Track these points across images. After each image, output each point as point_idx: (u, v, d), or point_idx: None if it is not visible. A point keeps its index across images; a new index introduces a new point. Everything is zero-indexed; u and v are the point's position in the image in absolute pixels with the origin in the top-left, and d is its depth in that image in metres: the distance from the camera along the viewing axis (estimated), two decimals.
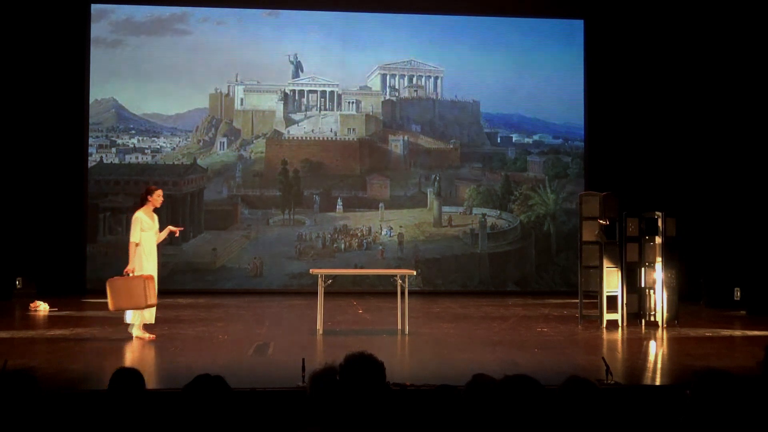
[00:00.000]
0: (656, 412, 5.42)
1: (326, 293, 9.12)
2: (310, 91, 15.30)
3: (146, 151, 14.81)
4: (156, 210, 8.95)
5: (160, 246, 9.06)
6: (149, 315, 8.70)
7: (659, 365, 7.77)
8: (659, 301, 9.93)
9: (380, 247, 14.97)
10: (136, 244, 8.66)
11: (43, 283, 12.92)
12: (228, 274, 14.57)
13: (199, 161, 14.90)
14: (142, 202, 8.91)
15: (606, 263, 10.02)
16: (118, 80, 14.67)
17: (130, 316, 8.61)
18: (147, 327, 8.73)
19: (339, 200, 15.09)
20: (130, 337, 8.50)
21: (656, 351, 8.51)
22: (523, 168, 15.52)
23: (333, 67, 15.27)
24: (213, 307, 11.83)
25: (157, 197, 8.86)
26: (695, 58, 13.91)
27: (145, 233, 8.72)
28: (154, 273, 8.71)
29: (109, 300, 8.44)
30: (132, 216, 8.86)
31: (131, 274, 8.52)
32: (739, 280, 12.19)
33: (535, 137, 15.61)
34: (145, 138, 14.84)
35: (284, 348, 8.22)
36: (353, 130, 15.34)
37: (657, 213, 10.09)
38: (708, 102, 13.66)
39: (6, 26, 13.48)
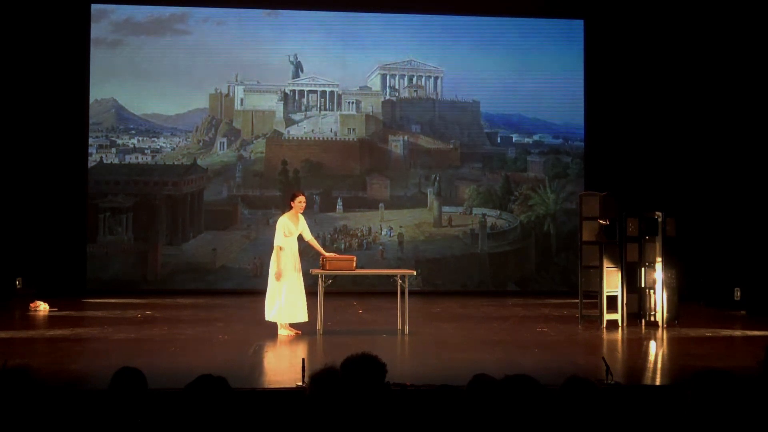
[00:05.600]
0: (656, 412, 5.42)
1: (326, 293, 9.12)
2: (310, 91, 15.29)
3: (146, 151, 14.80)
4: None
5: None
6: (301, 314, 8.91)
7: (659, 365, 7.78)
8: (659, 301, 9.92)
9: (380, 247, 14.97)
10: (280, 248, 8.86)
11: (43, 283, 12.91)
12: (228, 274, 14.56)
13: (199, 161, 14.88)
14: (288, 207, 9.24)
15: (606, 263, 10.01)
16: (118, 80, 14.66)
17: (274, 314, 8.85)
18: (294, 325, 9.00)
19: (339, 200, 15.09)
20: (129, 337, 8.50)
21: (656, 351, 8.51)
22: (523, 168, 15.51)
23: (333, 67, 15.26)
24: (213, 307, 11.83)
25: (299, 203, 9.06)
26: (695, 58, 13.91)
27: (288, 238, 8.91)
28: (297, 276, 8.92)
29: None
30: (277, 221, 9.12)
31: (277, 279, 8.78)
32: (739, 280, 12.18)
33: (535, 137, 15.60)
34: (145, 138, 14.83)
35: (284, 348, 8.23)
36: (353, 130, 15.33)
37: (657, 213, 10.08)
38: (708, 102, 13.65)
39: (6, 26, 13.48)
